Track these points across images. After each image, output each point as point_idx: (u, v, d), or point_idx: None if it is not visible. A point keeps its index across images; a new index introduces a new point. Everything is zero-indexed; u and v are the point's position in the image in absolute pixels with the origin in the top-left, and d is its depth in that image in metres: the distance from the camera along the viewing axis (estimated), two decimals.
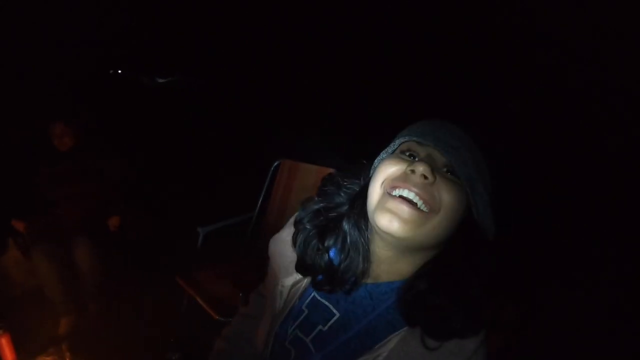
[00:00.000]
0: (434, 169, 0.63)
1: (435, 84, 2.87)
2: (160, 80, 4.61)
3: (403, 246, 0.67)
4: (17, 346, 2.19)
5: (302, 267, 0.79)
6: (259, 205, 2.36)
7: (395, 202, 0.63)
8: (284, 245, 0.85)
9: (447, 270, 0.66)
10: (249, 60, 3.89)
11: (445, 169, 0.66)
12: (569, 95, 2.45)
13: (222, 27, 3.99)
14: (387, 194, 0.65)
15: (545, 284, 2.04)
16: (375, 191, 0.68)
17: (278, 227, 0.91)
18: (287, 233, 0.86)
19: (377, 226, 0.65)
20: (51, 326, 2.36)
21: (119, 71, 4.85)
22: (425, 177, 0.62)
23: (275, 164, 2.37)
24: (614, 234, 2.19)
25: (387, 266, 0.72)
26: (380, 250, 0.72)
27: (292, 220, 0.85)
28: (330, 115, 3.17)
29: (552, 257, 2.18)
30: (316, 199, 0.82)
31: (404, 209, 0.61)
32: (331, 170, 0.89)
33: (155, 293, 2.56)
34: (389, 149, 0.75)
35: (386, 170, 0.67)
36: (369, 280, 0.75)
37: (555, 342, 1.85)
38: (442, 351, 0.64)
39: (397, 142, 0.73)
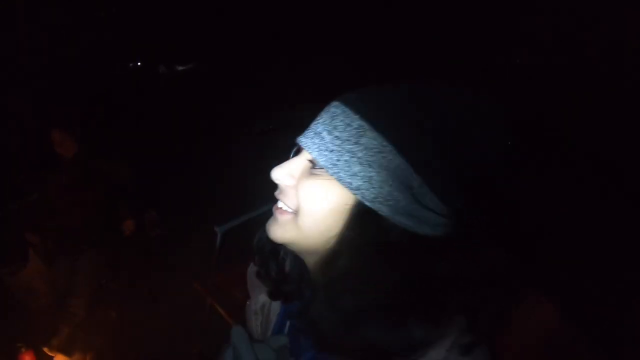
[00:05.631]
0: (293, 171, 0.59)
1: None
2: (180, 68, 4.44)
3: (301, 252, 0.63)
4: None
5: (259, 272, 0.73)
6: None
7: (274, 209, 0.62)
8: None
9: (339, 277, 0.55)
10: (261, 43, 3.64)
11: (312, 165, 0.58)
12: None
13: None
14: None
15: None
16: None
17: None
18: None
19: None
20: (76, 336, 2.29)
21: (139, 63, 4.75)
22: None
23: (295, 148, 2.07)
24: None
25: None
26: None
27: None
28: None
29: None
30: None
31: (275, 215, 0.61)
32: None
33: (175, 300, 2.42)
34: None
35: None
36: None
37: None
38: None
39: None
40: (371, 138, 0.52)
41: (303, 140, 0.57)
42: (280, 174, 0.59)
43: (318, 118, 0.58)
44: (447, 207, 0.53)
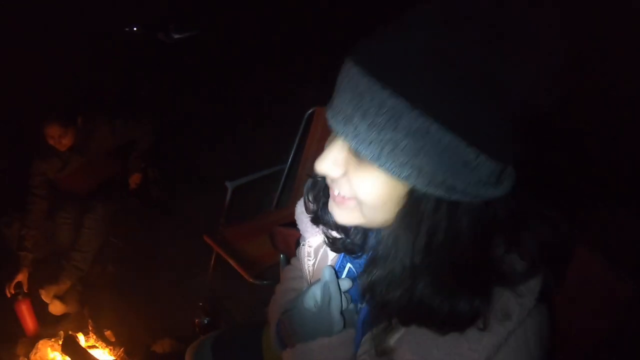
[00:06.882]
0: (337, 161, 0.54)
1: None
2: (177, 36, 4.36)
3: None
4: (38, 311, 2.12)
5: (317, 219, 0.74)
6: (291, 157, 2.13)
7: (332, 196, 0.60)
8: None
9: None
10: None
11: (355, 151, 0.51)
12: None
13: None
14: None
15: None
16: None
17: None
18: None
19: None
20: (74, 289, 2.30)
21: (135, 29, 4.63)
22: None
23: (309, 112, 2.11)
24: None
25: None
26: None
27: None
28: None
29: None
30: None
31: (336, 201, 0.59)
32: None
33: (181, 253, 2.43)
34: None
35: None
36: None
37: None
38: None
39: None
40: (411, 119, 0.44)
41: (335, 126, 0.50)
42: (325, 167, 0.55)
43: (340, 88, 0.50)
44: (505, 163, 0.49)
